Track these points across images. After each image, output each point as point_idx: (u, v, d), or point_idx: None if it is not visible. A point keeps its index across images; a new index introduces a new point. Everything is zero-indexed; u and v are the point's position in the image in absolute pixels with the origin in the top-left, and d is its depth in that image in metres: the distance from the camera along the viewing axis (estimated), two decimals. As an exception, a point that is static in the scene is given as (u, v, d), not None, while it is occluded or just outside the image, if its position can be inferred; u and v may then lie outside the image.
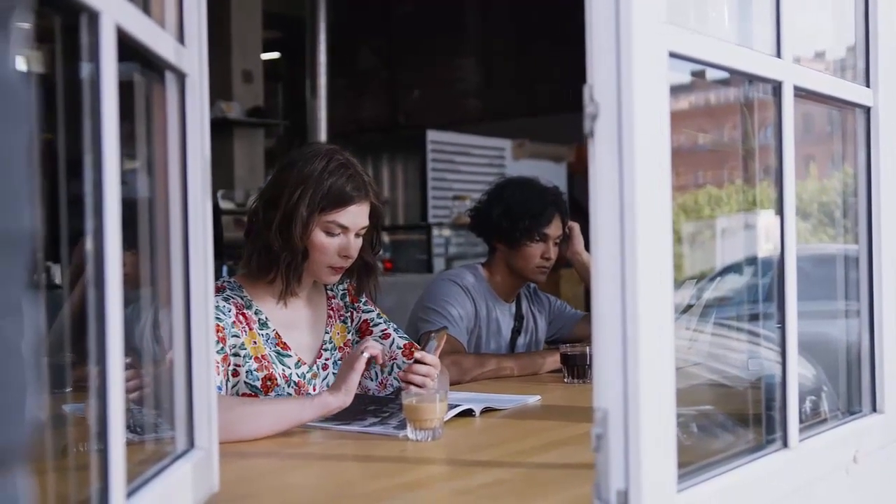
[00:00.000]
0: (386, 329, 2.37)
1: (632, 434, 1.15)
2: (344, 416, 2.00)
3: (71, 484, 1.21)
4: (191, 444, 1.36)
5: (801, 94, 1.56)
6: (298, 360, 2.23)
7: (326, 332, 2.33)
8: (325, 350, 2.31)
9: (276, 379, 2.16)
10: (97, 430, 1.00)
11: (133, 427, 1.28)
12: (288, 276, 2.19)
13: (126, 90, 1.07)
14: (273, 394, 2.15)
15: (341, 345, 2.34)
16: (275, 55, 10.03)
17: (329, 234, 2.18)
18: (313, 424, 1.96)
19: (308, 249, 2.18)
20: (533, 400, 2.33)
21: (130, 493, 1.08)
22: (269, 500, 1.54)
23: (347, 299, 2.39)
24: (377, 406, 2.14)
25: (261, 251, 2.18)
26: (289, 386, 2.19)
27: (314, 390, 2.24)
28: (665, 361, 1.20)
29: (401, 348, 2.33)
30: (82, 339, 1.03)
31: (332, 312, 2.36)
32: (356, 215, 2.19)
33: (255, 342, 2.17)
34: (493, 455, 1.78)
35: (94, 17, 0.97)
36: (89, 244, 0.98)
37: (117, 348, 1.01)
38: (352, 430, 1.90)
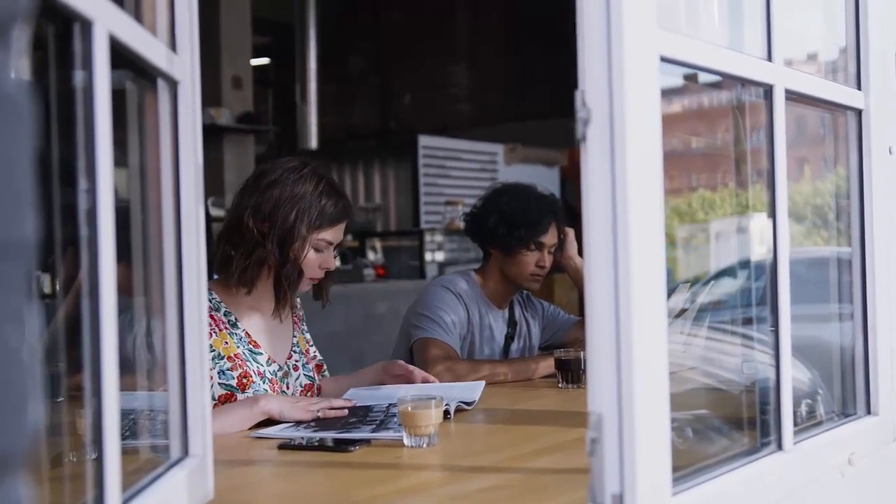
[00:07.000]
0: (316, 355, 2.51)
1: (626, 438, 1.15)
2: (341, 426, 1.99)
3: (65, 493, 1.20)
4: (185, 452, 1.36)
5: (793, 97, 1.56)
6: (269, 359, 2.31)
7: (294, 337, 2.43)
8: (295, 352, 2.41)
9: (252, 376, 2.24)
10: (93, 438, 0.99)
11: (124, 434, 1.28)
12: (289, 291, 2.29)
13: (117, 98, 1.07)
14: (250, 390, 2.22)
15: (304, 350, 2.45)
16: (264, 61, 10.01)
17: (317, 250, 2.28)
18: (311, 434, 1.94)
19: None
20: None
21: (125, 502, 1.08)
22: (264, 507, 1.54)
23: (302, 313, 2.51)
24: (370, 415, 2.13)
25: (255, 265, 2.24)
26: (264, 382, 2.26)
27: (287, 388, 2.34)
28: (659, 365, 1.20)
29: (302, 387, 2.40)
30: (74, 349, 1.03)
31: (296, 320, 2.47)
32: (341, 232, 2.33)
33: (226, 342, 2.23)
34: (488, 461, 1.77)
35: (87, 25, 0.97)
36: (83, 253, 0.98)
37: (112, 357, 1.00)
38: (354, 437, 1.89)
